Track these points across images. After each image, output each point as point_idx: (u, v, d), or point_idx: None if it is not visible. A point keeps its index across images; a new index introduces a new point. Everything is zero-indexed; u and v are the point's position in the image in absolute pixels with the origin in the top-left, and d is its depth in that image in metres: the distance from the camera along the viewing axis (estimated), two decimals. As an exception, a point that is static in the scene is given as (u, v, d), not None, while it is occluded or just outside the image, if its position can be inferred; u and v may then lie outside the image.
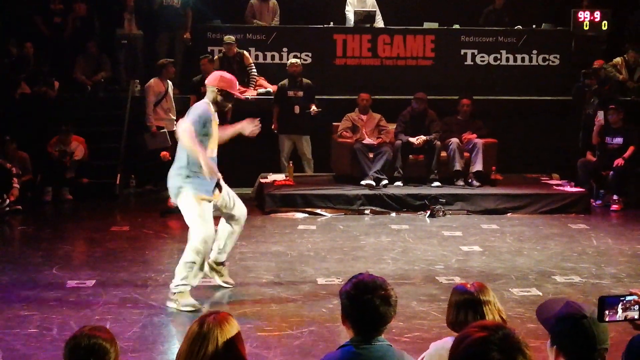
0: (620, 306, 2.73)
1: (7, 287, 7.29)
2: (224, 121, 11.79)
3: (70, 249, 9.07)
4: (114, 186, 12.00)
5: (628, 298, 2.75)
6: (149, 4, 13.45)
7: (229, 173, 12.26)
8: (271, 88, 12.90)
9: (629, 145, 11.60)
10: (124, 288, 7.25)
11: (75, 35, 13.73)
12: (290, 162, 12.01)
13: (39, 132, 12.09)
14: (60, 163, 11.61)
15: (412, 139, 11.57)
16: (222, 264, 7.39)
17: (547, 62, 13.62)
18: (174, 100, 12.30)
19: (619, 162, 11.40)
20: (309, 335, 6.08)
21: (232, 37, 12.68)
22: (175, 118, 11.85)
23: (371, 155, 11.48)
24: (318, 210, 10.85)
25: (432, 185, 11.42)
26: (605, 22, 13.40)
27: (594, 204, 11.58)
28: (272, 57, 13.30)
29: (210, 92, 6.88)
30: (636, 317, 2.78)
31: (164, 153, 11.15)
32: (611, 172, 11.46)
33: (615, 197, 11.45)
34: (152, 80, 12.25)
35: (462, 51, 13.53)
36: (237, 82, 7.15)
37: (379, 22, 13.64)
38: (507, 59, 13.57)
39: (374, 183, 11.19)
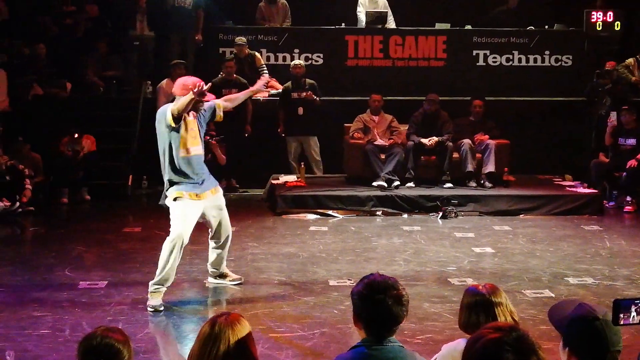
0: (634, 309, 2.71)
1: (19, 288, 7.31)
2: (244, 122, 11.96)
3: (82, 249, 9.09)
4: (125, 187, 12.04)
5: None
6: (161, 6, 13.48)
7: (241, 174, 12.43)
8: (282, 89, 12.90)
9: (642, 146, 11.56)
10: (136, 289, 7.26)
11: (86, 37, 13.78)
12: (302, 163, 12.01)
13: (52, 133, 12.13)
14: (73, 163, 11.64)
15: (424, 140, 11.55)
16: (221, 274, 7.45)
17: (559, 63, 13.57)
18: None
19: (632, 163, 11.34)
20: (320, 337, 6.07)
21: (244, 39, 12.69)
22: None
23: (383, 157, 11.46)
24: (330, 212, 10.83)
25: (444, 186, 11.40)
26: (618, 22, 13.36)
27: (607, 205, 11.53)
28: (284, 58, 13.30)
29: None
30: None
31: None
32: (624, 173, 11.41)
33: (628, 198, 11.39)
34: (163, 82, 12.29)
35: (475, 52, 13.49)
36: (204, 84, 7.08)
37: (391, 23, 13.62)
38: (520, 60, 13.53)
39: (385, 184, 11.17)
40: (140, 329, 6.21)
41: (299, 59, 13.04)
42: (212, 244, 7.34)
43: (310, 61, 12.78)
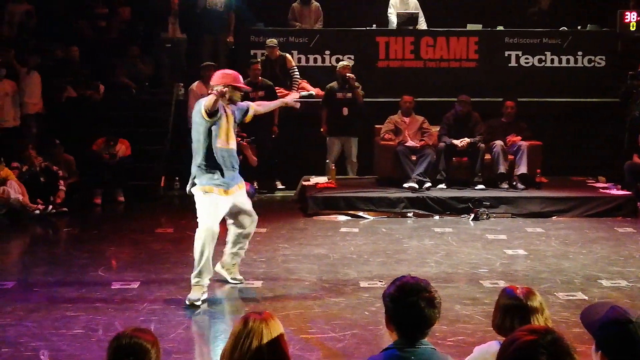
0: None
1: (53, 288, 7.38)
2: (271, 123, 12.00)
3: (115, 250, 9.17)
4: (158, 188, 12.12)
5: None
6: (193, 8, 13.55)
7: (275, 175, 12.47)
8: (314, 91, 12.93)
9: (676, 147, 11.43)
10: (168, 289, 7.31)
11: (119, 39, 13.90)
12: (333, 164, 12.02)
13: (85, 135, 12.25)
14: (107, 165, 11.74)
15: (455, 142, 11.51)
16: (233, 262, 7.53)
17: (592, 64, 13.46)
18: None
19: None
20: (351, 338, 6.06)
21: (275, 40, 12.73)
22: None
23: (414, 158, 11.43)
24: (360, 213, 10.82)
25: (476, 188, 11.35)
26: (652, 22, 13.21)
27: (641, 207, 11.41)
28: (315, 60, 13.32)
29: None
30: None
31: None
32: (658, 175, 11.29)
33: (662, 200, 11.28)
34: (194, 84, 12.36)
35: (506, 53, 13.42)
36: (241, 77, 7.25)
37: (422, 24, 13.59)
38: (552, 61, 13.44)
39: (417, 186, 11.15)
40: (172, 329, 6.25)
41: (331, 60, 13.05)
42: (235, 231, 7.39)
43: (347, 62, 12.72)
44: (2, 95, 12.05)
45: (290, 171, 12.42)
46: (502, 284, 7.34)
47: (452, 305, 6.76)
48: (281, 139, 12.42)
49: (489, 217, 10.65)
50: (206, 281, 6.92)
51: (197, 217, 6.99)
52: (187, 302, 6.78)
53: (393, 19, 13.55)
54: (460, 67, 13.36)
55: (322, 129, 12.30)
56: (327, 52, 13.30)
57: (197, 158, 6.98)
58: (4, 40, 13.36)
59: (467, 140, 11.52)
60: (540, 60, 13.43)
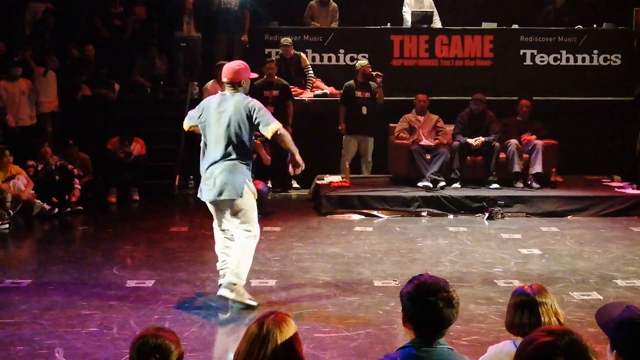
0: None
1: (68, 286, 7.41)
2: (285, 123, 11.95)
3: (130, 249, 9.20)
4: (172, 187, 12.15)
5: None
6: (207, 7, 13.58)
7: (283, 174, 12.45)
8: (328, 90, 12.92)
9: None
10: (182, 288, 7.32)
11: (134, 38, 13.95)
12: (348, 163, 12.01)
13: (100, 133, 12.29)
14: (122, 164, 11.78)
15: (470, 140, 11.48)
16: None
17: (608, 62, 13.41)
18: None
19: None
20: (365, 337, 6.06)
21: (289, 39, 12.74)
22: None
23: (428, 157, 11.42)
24: (374, 212, 10.81)
25: (491, 187, 11.32)
26: (668, 21, 13.13)
27: (656, 206, 11.35)
28: (329, 59, 13.33)
29: (242, 87, 6.82)
30: None
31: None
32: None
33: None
34: (208, 83, 12.38)
35: (521, 51, 13.39)
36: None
37: (437, 23, 13.57)
38: (568, 59, 13.39)
39: (431, 185, 11.13)
40: (186, 327, 6.26)
41: (345, 59, 13.05)
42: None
43: (355, 61, 12.74)
44: (18, 94, 12.11)
45: (304, 170, 12.40)
46: (516, 283, 7.32)
47: (466, 304, 6.74)
48: (295, 137, 12.36)
49: (504, 217, 10.62)
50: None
51: (240, 218, 6.78)
52: (242, 306, 6.71)
53: (408, 18, 13.53)
54: (475, 66, 13.33)
55: (340, 127, 12.26)
56: (342, 50, 13.31)
57: (247, 158, 6.77)
58: (21, 39, 13.43)
59: (481, 139, 11.49)
60: (555, 59, 13.39)
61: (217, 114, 6.73)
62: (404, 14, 13.65)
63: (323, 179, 11.76)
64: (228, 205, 6.74)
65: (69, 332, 6.11)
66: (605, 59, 13.39)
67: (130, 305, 6.81)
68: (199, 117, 6.87)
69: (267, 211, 10.27)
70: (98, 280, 7.62)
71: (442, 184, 11.20)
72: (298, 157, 6.90)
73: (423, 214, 10.84)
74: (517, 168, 11.39)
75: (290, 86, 12.31)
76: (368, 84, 12.19)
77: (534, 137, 11.60)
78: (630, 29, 13.40)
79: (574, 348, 2.20)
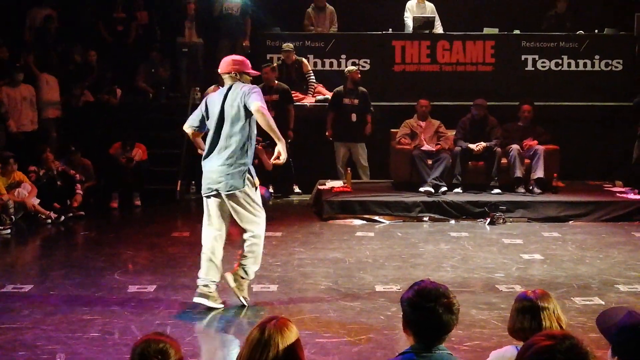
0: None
1: (70, 292, 7.42)
2: (286, 127, 11.96)
3: (131, 254, 9.20)
4: (174, 192, 12.16)
5: None
6: (209, 12, 13.60)
7: (292, 179, 12.46)
8: (329, 95, 12.93)
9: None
10: (184, 293, 7.32)
11: (137, 43, 13.97)
12: (349, 168, 12.01)
13: (102, 139, 12.31)
14: (124, 171, 11.80)
15: (471, 146, 11.48)
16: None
17: (609, 68, 13.41)
18: None
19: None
20: (367, 342, 6.06)
21: (291, 45, 12.75)
22: None
23: (430, 162, 11.42)
24: (376, 217, 10.82)
25: (492, 192, 11.31)
26: (670, 26, 13.13)
27: (658, 212, 11.34)
28: (331, 64, 13.34)
29: (228, 79, 6.86)
30: None
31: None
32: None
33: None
34: (211, 87, 12.39)
35: (523, 57, 13.39)
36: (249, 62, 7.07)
37: (438, 28, 13.58)
38: (569, 65, 13.39)
39: (432, 190, 11.13)
40: (187, 333, 6.27)
41: (346, 64, 13.06)
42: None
43: (357, 67, 12.75)
44: (20, 100, 12.14)
45: (306, 175, 12.43)
46: (518, 288, 7.32)
47: (468, 310, 6.74)
48: (297, 143, 12.42)
49: (505, 222, 10.62)
50: None
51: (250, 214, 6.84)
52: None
53: (409, 23, 13.54)
54: (477, 71, 13.34)
55: (327, 133, 12.29)
56: (343, 56, 13.32)
57: (245, 155, 6.78)
58: (23, 44, 13.46)
59: (483, 144, 11.49)
60: (557, 64, 13.39)
61: (215, 106, 6.82)
62: (405, 19, 13.66)
63: (325, 184, 11.77)
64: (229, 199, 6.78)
65: (71, 338, 6.11)
66: (606, 64, 13.40)
67: (132, 311, 6.81)
68: (202, 117, 6.92)
69: (269, 216, 10.26)
70: (100, 286, 7.62)
71: (444, 189, 11.20)
72: (282, 142, 6.76)
73: (425, 219, 10.84)
74: (518, 173, 11.39)
75: (292, 92, 12.32)
76: (357, 91, 12.21)
77: (535, 142, 11.60)
78: (632, 34, 13.40)
79: (574, 352, 2.20)
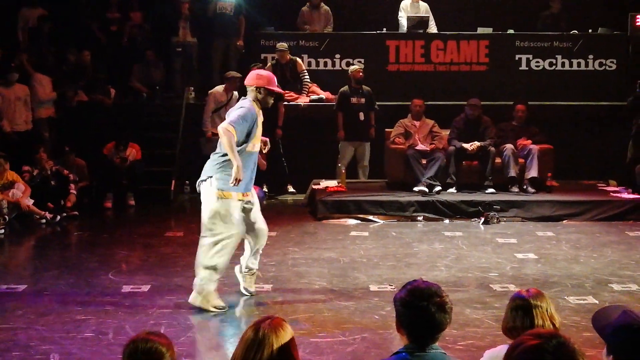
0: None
1: (64, 292, 7.40)
2: (275, 125, 11.94)
3: (125, 254, 9.19)
4: (168, 192, 12.14)
5: None
6: (203, 12, 13.59)
7: (286, 178, 12.47)
8: (324, 95, 12.92)
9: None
10: (178, 293, 7.31)
11: (131, 43, 13.95)
12: (344, 168, 12.01)
13: (96, 139, 12.29)
14: (118, 171, 11.78)
15: (465, 145, 11.49)
16: (249, 270, 7.35)
17: (603, 67, 13.43)
18: None
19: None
20: (361, 342, 6.06)
21: (285, 44, 12.73)
22: None
23: (424, 162, 11.42)
24: (370, 217, 10.82)
25: (487, 191, 11.32)
26: (663, 26, 13.15)
27: (652, 211, 11.36)
28: (325, 64, 13.33)
29: (251, 92, 6.96)
30: None
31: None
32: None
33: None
34: (216, 88, 12.42)
35: (517, 56, 13.41)
36: (275, 79, 7.18)
37: (432, 28, 13.58)
38: (563, 64, 13.41)
39: (427, 189, 11.13)
40: (182, 332, 6.26)
41: (341, 64, 13.06)
42: (247, 242, 7.27)
43: (358, 66, 12.71)
44: (14, 100, 12.11)
45: (300, 175, 12.42)
46: (512, 287, 7.33)
47: (462, 309, 6.75)
48: (292, 142, 12.41)
49: (499, 221, 10.63)
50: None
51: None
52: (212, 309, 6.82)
53: (403, 23, 13.55)
54: (471, 71, 13.35)
55: (339, 134, 12.23)
56: (338, 55, 13.31)
57: (220, 160, 6.82)
58: (17, 44, 13.43)
59: (477, 143, 11.50)
60: (551, 64, 13.41)
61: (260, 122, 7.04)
62: (399, 19, 13.66)
63: (319, 184, 11.76)
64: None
65: (65, 338, 6.10)
66: (600, 64, 13.42)
67: (126, 311, 6.80)
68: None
69: (264, 215, 10.26)
70: (94, 286, 7.61)
71: (438, 188, 11.21)
72: (236, 164, 6.62)
73: (419, 218, 10.84)
74: (512, 173, 11.40)
75: (286, 91, 12.31)
76: (362, 89, 12.20)
77: (529, 141, 11.61)
78: (626, 34, 13.42)
79: (562, 351, 2.20)
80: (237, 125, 6.67)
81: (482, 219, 10.60)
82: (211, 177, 6.80)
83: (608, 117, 12.98)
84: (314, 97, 12.89)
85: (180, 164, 12.48)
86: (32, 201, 10.75)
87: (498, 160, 11.53)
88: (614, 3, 14.36)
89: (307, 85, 12.88)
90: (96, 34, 13.98)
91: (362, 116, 12.15)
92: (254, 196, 7.15)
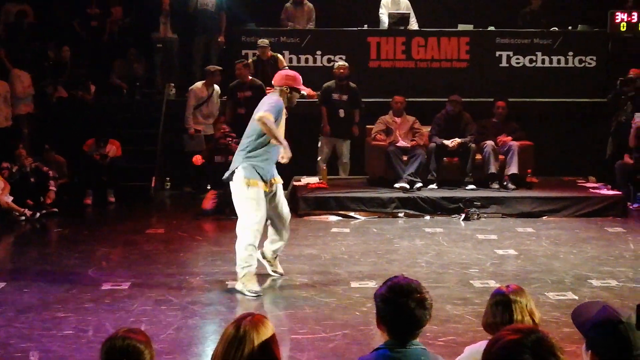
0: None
1: (43, 289, 7.36)
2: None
3: (105, 251, 9.14)
4: (149, 189, 12.10)
5: None
6: (184, 8, 13.54)
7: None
8: (305, 91, 12.86)
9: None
10: (159, 290, 7.29)
11: (112, 39, 13.89)
12: (324, 165, 12.00)
13: (76, 135, 12.22)
14: (99, 166, 11.73)
15: (446, 142, 11.52)
16: (273, 253, 7.81)
17: (583, 64, 13.49)
18: (220, 105, 12.48)
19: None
20: (342, 338, 6.07)
21: (266, 40, 12.70)
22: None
23: (405, 158, 11.44)
24: (352, 213, 10.83)
25: (467, 188, 11.35)
26: (642, 23, 13.22)
27: (631, 207, 11.43)
28: (306, 60, 13.32)
29: (279, 91, 7.50)
30: None
31: (196, 157, 11.10)
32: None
33: (653, 199, 11.31)
34: (197, 84, 12.38)
35: (497, 53, 13.45)
36: (301, 78, 7.75)
37: (413, 24, 13.59)
38: (543, 61, 13.47)
39: (408, 186, 11.15)
40: (162, 329, 6.24)
41: (322, 60, 13.04)
42: (271, 230, 7.71)
43: (332, 63, 12.74)
44: (-7, 96, 12.03)
45: (280, 171, 12.37)
46: (492, 284, 7.36)
47: (442, 305, 6.77)
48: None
49: (480, 217, 10.67)
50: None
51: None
52: (249, 295, 7.11)
53: (384, 19, 13.55)
54: (452, 68, 13.37)
55: (324, 129, 12.21)
56: (319, 52, 13.30)
57: (248, 150, 7.32)
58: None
59: (457, 140, 11.53)
60: (531, 61, 13.46)
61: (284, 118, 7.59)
62: (380, 15, 13.67)
63: (300, 180, 11.75)
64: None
65: (44, 335, 6.08)
66: (580, 61, 13.48)
67: (106, 308, 6.78)
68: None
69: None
70: (73, 283, 7.57)
71: (419, 185, 11.23)
72: (284, 145, 7.37)
73: (400, 215, 10.86)
74: (493, 169, 11.44)
75: (267, 88, 12.27)
76: (346, 86, 12.19)
77: (509, 138, 11.65)
78: (605, 30, 13.47)
79: (541, 346, 2.21)
80: (272, 111, 7.21)
81: (463, 215, 10.64)
82: (237, 167, 7.27)
83: (588, 113, 13.06)
84: (303, 93, 12.83)
85: (161, 161, 12.43)
86: (11, 198, 10.69)
87: (478, 156, 11.56)
88: (594, 0, 14.43)
89: (289, 81, 12.83)
90: (76, 30, 13.89)
91: (342, 113, 12.14)
92: (279, 187, 7.68)
